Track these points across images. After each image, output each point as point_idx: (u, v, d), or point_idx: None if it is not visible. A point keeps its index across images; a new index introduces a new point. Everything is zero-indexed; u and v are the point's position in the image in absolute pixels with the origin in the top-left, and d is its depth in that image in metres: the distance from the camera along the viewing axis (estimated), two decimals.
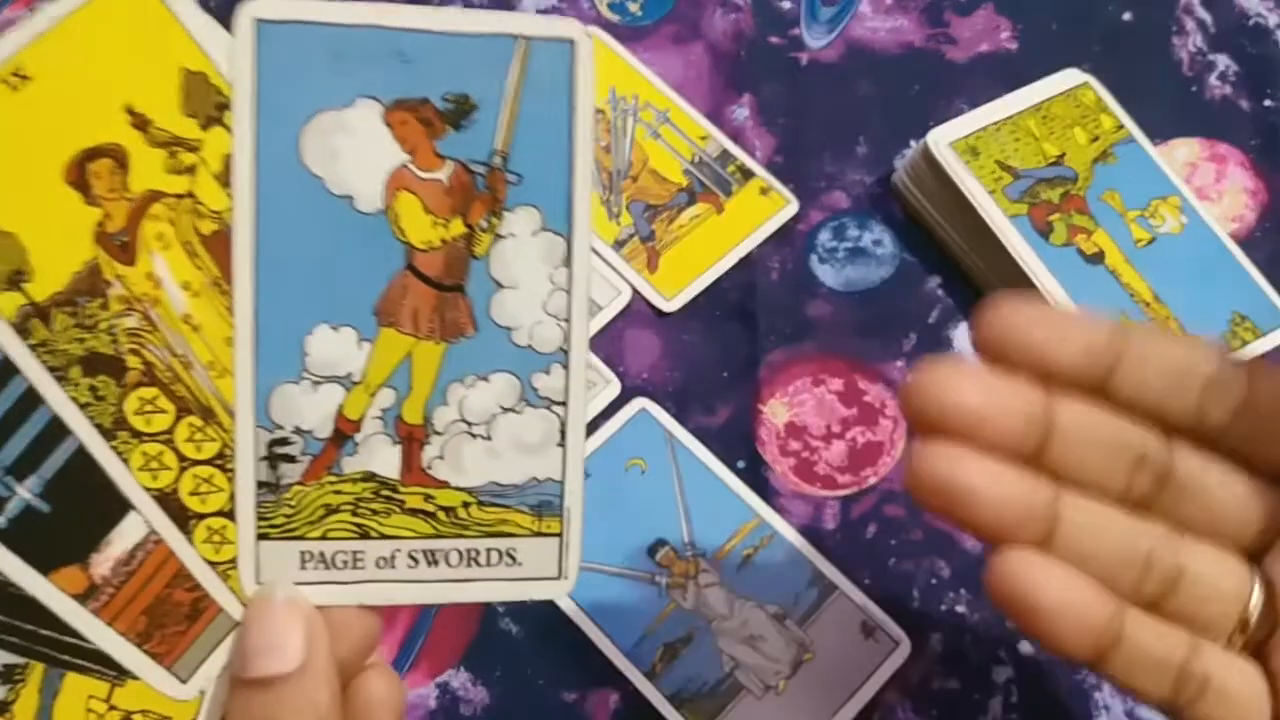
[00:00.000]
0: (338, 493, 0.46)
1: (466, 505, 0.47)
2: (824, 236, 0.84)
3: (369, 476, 0.46)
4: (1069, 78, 0.84)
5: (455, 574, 0.47)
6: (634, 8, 0.91)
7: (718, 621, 0.72)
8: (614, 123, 0.85)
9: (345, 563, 0.46)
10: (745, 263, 0.82)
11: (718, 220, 0.83)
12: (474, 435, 0.46)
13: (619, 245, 0.82)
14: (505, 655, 0.72)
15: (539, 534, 0.48)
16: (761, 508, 0.75)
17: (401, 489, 0.46)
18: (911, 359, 0.80)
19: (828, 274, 0.83)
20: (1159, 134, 0.86)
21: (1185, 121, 0.89)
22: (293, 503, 0.45)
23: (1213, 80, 0.91)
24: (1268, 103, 0.90)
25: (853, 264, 0.83)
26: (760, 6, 0.91)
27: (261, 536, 0.45)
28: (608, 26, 0.90)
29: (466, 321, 0.46)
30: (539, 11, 0.90)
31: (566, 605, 0.72)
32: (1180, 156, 0.87)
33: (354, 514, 0.46)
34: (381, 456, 0.46)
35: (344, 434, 0.45)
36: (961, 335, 0.81)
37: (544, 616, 0.72)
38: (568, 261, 0.46)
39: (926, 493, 0.49)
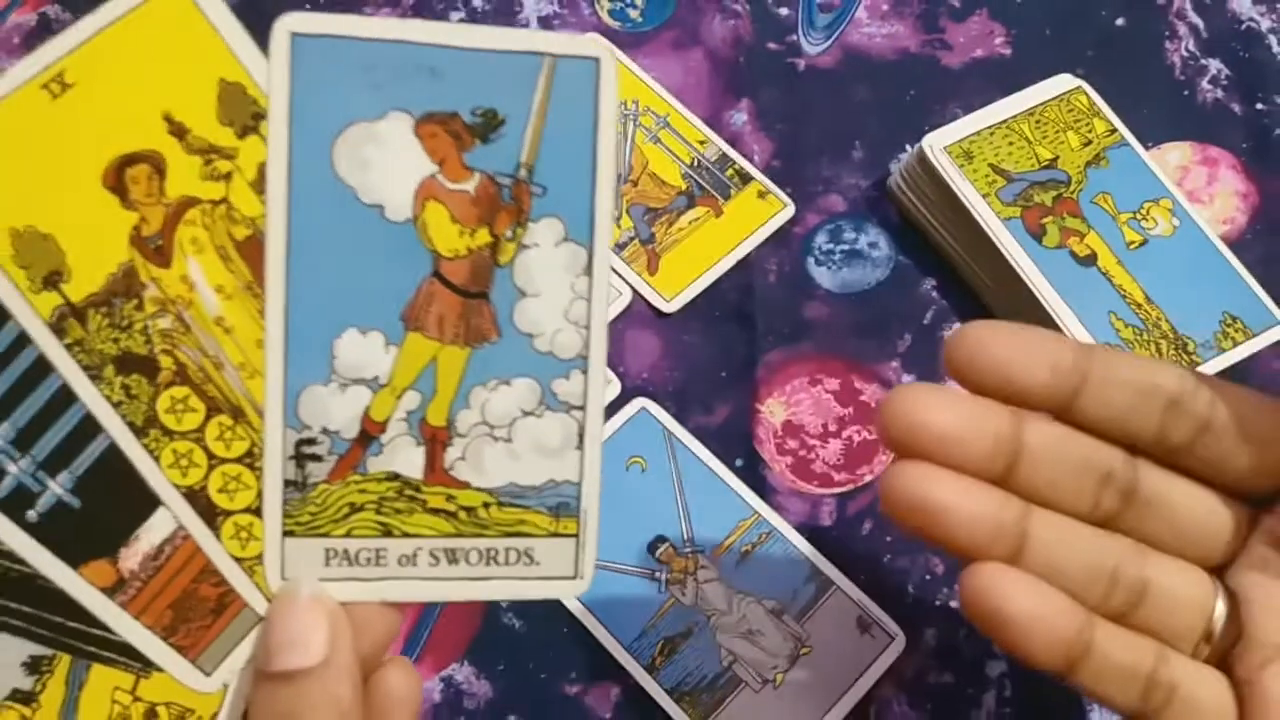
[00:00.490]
0: (362, 492, 0.47)
1: (487, 505, 0.48)
2: (820, 239, 0.85)
3: (393, 476, 0.47)
4: (1062, 82, 0.85)
5: (474, 572, 0.48)
6: (635, 14, 0.92)
7: (716, 616, 0.72)
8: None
9: (368, 560, 0.47)
10: (743, 265, 0.83)
11: (716, 223, 0.84)
12: (495, 438, 0.47)
13: (619, 248, 0.82)
14: (508, 650, 0.72)
15: (556, 535, 0.49)
16: (759, 505, 0.76)
17: (424, 489, 0.47)
18: (906, 360, 0.81)
19: (824, 276, 0.84)
20: (1151, 138, 0.87)
21: (1177, 125, 0.90)
22: (318, 501, 0.46)
23: (1204, 84, 0.91)
24: (1259, 106, 0.90)
25: (849, 266, 0.84)
26: (759, 13, 0.92)
27: (287, 533, 0.46)
28: (608, 33, 0.90)
29: (490, 327, 0.46)
30: (539, 18, 0.91)
31: (569, 601, 0.73)
32: (1172, 160, 0.88)
33: (378, 513, 0.47)
34: (405, 457, 0.47)
35: (369, 435, 0.46)
36: None
37: (546, 612, 0.73)
38: (588, 271, 0.47)
39: (900, 510, 0.50)
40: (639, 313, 0.81)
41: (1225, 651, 0.52)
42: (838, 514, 0.77)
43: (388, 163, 0.45)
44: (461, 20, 0.91)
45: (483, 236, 0.46)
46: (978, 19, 0.93)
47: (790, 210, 0.85)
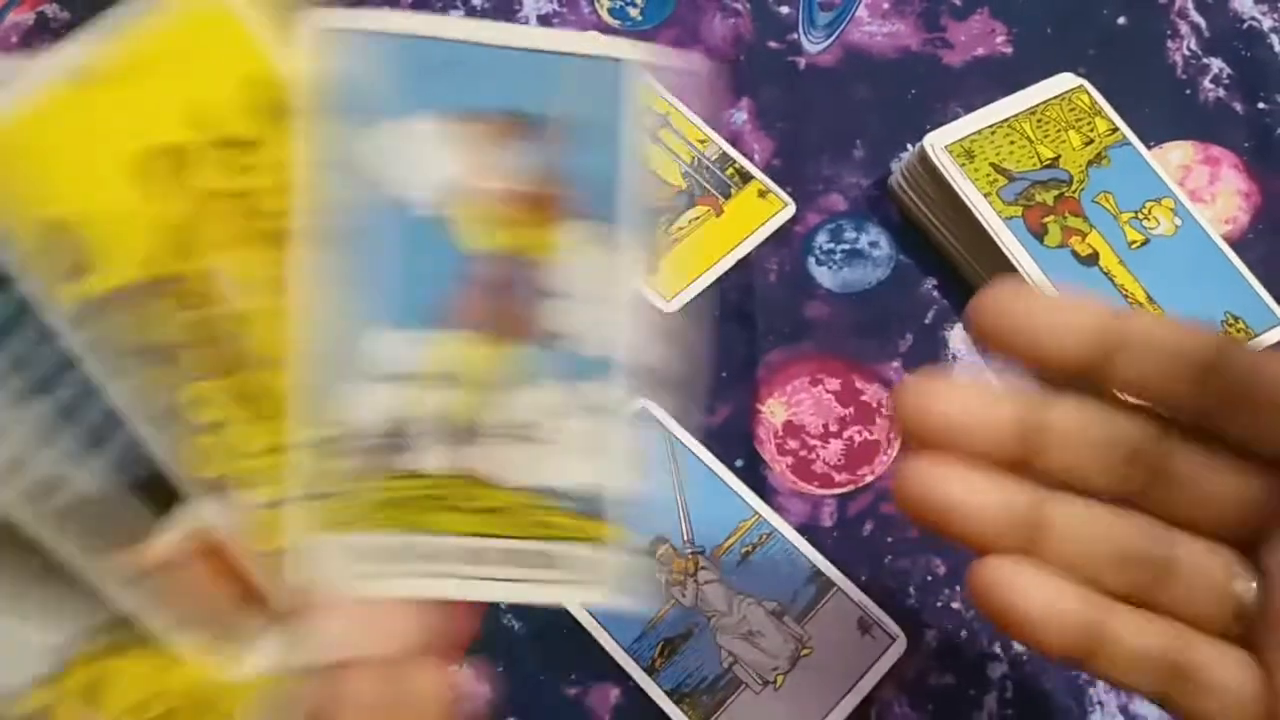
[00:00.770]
0: (389, 489, 0.46)
1: (515, 506, 0.47)
2: (821, 238, 0.85)
3: (420, 474, 0.47)
4: (1064, 81, 0.85)
5: (501, 573, 0.47)
6: (634, 12, 0.92)
7: (717, 618, 0.72)
8: None
9: (394, 557, 0.46)
10: (743, 264, 0.83)
11: (716, 223, 0.84)
12: (525, 438, 0.47)
13: None
14: (507, 651, 0.72)
15: (584, 539, 0.48)
16: (760, 506, 0.75)
17: (452, 487, 0.47)
18: (908, 359, 0.81)
19: (825, 275, 0.84)
20: (1153, 137, 0.87)
21: (1179, 124, 0.89)
22: (345, 498, 0.46)
23: (1206, 83, 0.91)
24: (1261, 105, 0.90)
25: (849, 266, 0.84)
26: (759, 11, 0.92)
27: (314, 530, 0.46)
28: (608, 31, 0.90)
29: (522, 328, 0.46)
30: (539, 16, 0.91)
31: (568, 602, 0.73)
32: (1174, 159, 0.88)
33: (404, 510, 0.47)
34: (433, 455, 0.47)
35: (398, 432, 0.46)
36: (957, 336, 0.82)
37: (546, 613, 0.73)
38: (622, 272, 0.46)
39: (912, 509, 0.50)
40: None
41: (1255, 633, 0.50)
42: (838, 515, 0.76)
43: (419, 160, 0.44)
44: (461, 18, 0.91)
45: (516, 235, 0.46)
46: (979, 17, 0.93)
47: (791, 209, 0.85)
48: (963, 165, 0.79)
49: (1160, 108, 0.89)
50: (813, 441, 0.78)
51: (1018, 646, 0.73)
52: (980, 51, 0.92)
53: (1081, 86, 0.85)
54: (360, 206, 0.44)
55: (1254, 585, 0.50)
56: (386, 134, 0.44)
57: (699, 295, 0.82)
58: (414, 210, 0.45)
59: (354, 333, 0.45)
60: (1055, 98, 0.84)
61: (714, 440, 0.77)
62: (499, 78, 0.45)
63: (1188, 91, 0.91)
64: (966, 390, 0.50)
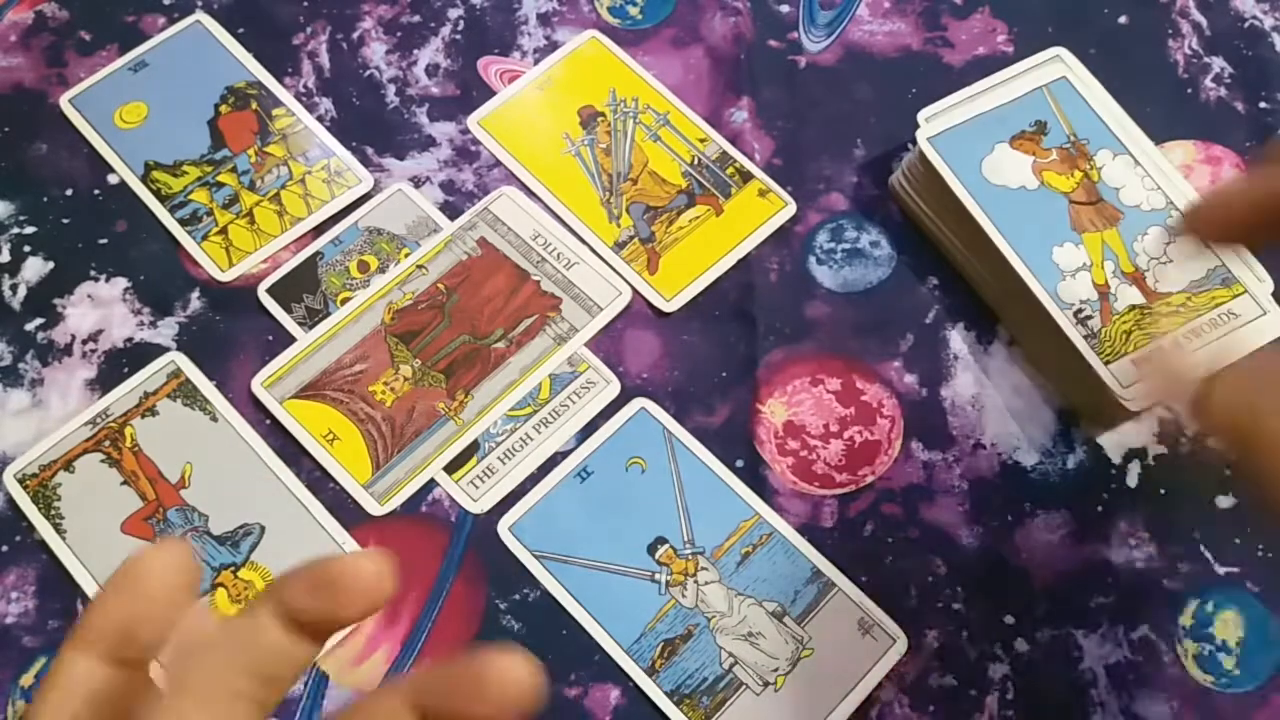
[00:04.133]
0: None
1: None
2: (822, 238, 0.85)
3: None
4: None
5: None
6: (634, 11, 0.91)
7: (717, 619, 0.72)
8: (614, 125, 0.86)
9: None
10: (744, 264, 0.83)
11: (717, 222, 0.84)
12: None
13: (619, 247, 0.82)
14: None
15: None
16: (760, 506, 0.75)
17: None
18: (908, 359, 0.81)
19: (825, 275, 0.83)
20: (1155, 136, 0.86)
21: (1181, 123, 0.89)
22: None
23: (1208, 82, 0.91)
24: (1263, 105, 0.90)
25: (850, 265, 0.84)
26: (759, 10, 0.92)
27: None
28: (608, 30, 0.90)
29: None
30: (539, 15, 0.91)
31: (567, 602, 0.72)
32: (1176, 158, 0.87)
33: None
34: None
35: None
36: (957, 335, 0.81)
37: (545, 614, 0.73)
38: None
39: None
40: (639, 312, 0.81)
41: None
42: (839, 515, 0.76)
43: None
44: (460, 17, 0.90)
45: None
46: (980, 16, 0.93)
47: (791, 209, 0.85)
48: None
49: (1161, 107, 0.89)
50: (813, 441, 0.78)
51: (1019, 646, 0.73)
52: (981, 51, 0.92)
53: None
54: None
55: None
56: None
57: (699, 295, 0.82)
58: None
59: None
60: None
61: (714, 440, 0.77)
62: None
63: (1189, 91, 0.91)
64: None
